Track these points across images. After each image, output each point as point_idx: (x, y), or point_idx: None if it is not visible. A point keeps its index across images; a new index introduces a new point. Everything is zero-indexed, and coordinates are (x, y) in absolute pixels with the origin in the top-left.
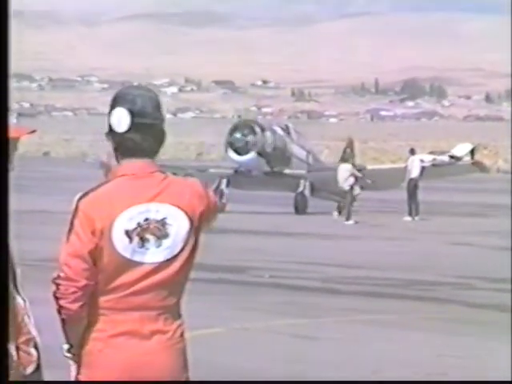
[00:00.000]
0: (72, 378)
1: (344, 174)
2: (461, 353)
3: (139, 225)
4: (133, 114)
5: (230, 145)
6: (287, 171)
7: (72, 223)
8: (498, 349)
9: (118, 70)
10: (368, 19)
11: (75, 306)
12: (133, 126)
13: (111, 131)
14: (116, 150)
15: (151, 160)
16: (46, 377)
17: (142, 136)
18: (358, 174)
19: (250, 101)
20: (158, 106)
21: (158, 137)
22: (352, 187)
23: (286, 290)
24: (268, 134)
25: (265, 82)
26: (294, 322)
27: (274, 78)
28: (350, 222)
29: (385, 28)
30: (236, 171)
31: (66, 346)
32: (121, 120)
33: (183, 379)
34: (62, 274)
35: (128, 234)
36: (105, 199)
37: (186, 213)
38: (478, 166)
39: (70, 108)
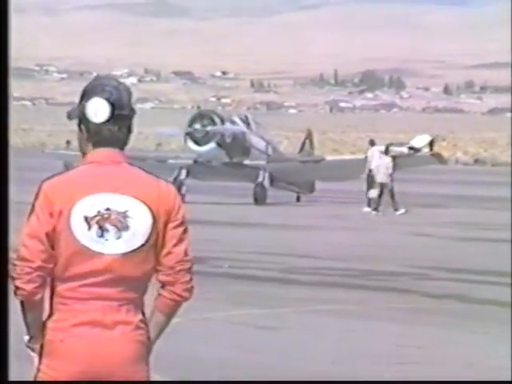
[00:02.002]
0: (35, 369)
1: (383, 167)
2: (420, 342)
3: (99, 213)
4: (112, 104)
5: (190, 135)
6: (246, 162)
7: (33, 205)
8: (458, 338)
9: (77, 60)
10: (327, 10)
11: (29, 287)
12: (112, 117)
13: (84, 121)
14: (88, 139)
15: (121, 150)
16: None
17: (118, 127)
18: (390, 170)
19: (209, 92)
20: (131, 98)
21: (130, 128)
22: (391, 179)
23: (245, 280)
24: (227, 124)
25: (224, 73)
26: (254, 312)
27: (233, 69)
28: (402, 211)
29: (344, 19)
30: (195, 162)
31: (26, 337)
32: (99, 110)
33: (144, 372)
34: (18, 255)
35: (87, 220)
36: (67, 183)
37: (150, 208)
38: (437, 158)
39: (28, 97)
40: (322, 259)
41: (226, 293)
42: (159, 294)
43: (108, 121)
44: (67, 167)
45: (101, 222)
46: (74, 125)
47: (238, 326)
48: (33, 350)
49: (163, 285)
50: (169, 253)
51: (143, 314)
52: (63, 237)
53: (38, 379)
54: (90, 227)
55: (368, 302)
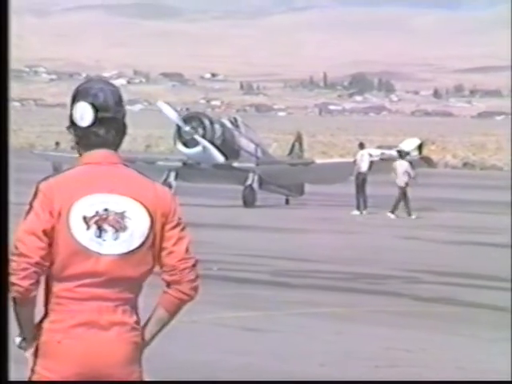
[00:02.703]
0: (29, 370)
1: (401, 171)
2: (410, 346)
3: (98, 213)
4: (96, 108)
5: (179, 137)
6: (236, 164)
7: (31, 204)
8: (446, 341)
9: (66, 61)
10: (318, 13)
11: (25, 283)
12: (96, 120)
13: (73, 125)
14: (78, 143)
15: (115, 152)
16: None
17: (106, 129)
18: (412, 173)
19: (198, 93)
20: (119, 100)
21: (120, 130)
22: (407, 184)
23: (234, 282)
24: (217, 126)
25: (214, 74)
26: (243, 315)
27: (222, 71)
28: (413, 216)
29: (334, 22)
30: (184, 164)
31: (18, 339)
32: (84, 114)
33: (138, 373)
34: (15, 251)
35: (86, 220)
36: (66, 183)
37: (148, 210)
38: (426, 161)
39: (17, 98)
40: (311, 262)
41: (215, 295)
42: (165, 292)
43: (93, 124)
44: (56, 168)
45: (99, 223)
46: (62, 126)
47: (227, 329)
48: (25, 350)
49: (169, 284)
50: (170, 252)
51: (137, 315)
52: (61, 236)
53: (33, 380)
54: (88, 227)
55: (357, 305)
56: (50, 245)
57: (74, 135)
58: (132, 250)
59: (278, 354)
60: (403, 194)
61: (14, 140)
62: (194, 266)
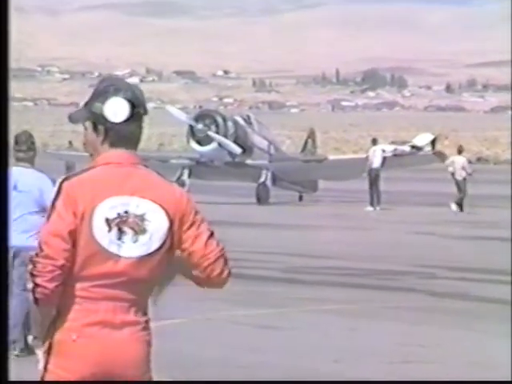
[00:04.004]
0: (40, 368)
1: (459, 165)
2: (424, 341)
3: (119, 215)
4: (132, 104)
5: (192, 136)
6: (249, 161)
7: (54, 204)
8: (461, 337)
9: (79, 61)
10: (329, 9)
11: (52, 285)
12: (131, 116)
13: (100, 122)
14: (105, 139)
15: (135, 151)
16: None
17: (136, 125)
18: (468, 169)
19: (211, 91)
20: (144, 97)
21: (142, 127)
22: (465, 179)
23: (248, 280)
24: (230, 124)
25: (226, 72)
26: (257, 312)
27: (235, 68)
28: (465, 211)
29: (346, 18)
30: (198, 162)
31: (30, 337)
32: (118, 110)
33: (148, 372)
34: (40, 253)
35: (108, 222)
36: (89, 184)
37: (167, 212)
38: (439, 156)
39: (30, 98)
40: (324, 258)
41: (228, 293)
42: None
43: (127, 120)
44: (69, 167)
45: (120, 225)
46: (75, 125)
47: (240, 326)
48: (37, 348)
49: (197, 279)
50: (190, 252)
51: (147, 314)
52: (83, 237)
53: (46, 379)
54: (110, 229)
55: (371, 301)
56: (74, 245)
57: (104, 132)
58: (150, 253)
59: (292, 350)
60: (461, 188)
61: None
62: (216, 260)
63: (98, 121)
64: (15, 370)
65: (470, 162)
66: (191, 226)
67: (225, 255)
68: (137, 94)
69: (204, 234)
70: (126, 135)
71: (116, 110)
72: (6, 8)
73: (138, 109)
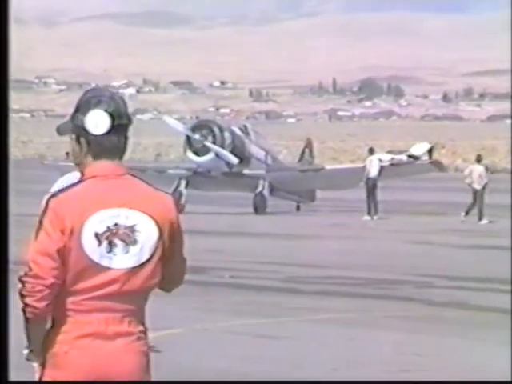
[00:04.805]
0: (37, 379)
1: (476, 174)
2: (421, 350)
3: (109, 228)
4: (112, 115)
5: (189, 146)
6: (246, 171)
7: (41, 222)
8: (459, 346)
9: (76, 72)
10: (326, 19)
11: (41, 305)
12: (112, 128)
13: (83, 134)
14: (88, 152)
15: (120, 162)
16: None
17: (118, 137)
18: (484, 179)
19: (208, 101)
20: (127, 107)
21: (127, 137)
22: (484, 188)
23: (246, 290)
24: (227, 134)
25: (223, 82)
26: (255, 322)
27: (231, 78)
28: (484, 221)
29: (342, 27)
30: (195, 172)
31: (26, 351)
32: (99, 122)
33: (146, 381)
34: (29, 272)
35: (97, 236)
36: (75, 199)
37: (157, 222)
38: (436, 166)
39: (27, 109)
40: (322, 268)
41: (227, 302)
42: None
43: (109, 132)
44: None
45: (110, 238)
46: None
47: (239, 336)
48: (33, 361)
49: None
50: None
51: (144, 324)
52: (73, 253)
53: None
54: (100, 243)
55: (369, 310)
56: (63, 263)
57: (86, 144)
58: (142, 264)
59: (290, 360)
60: (479, 198)
61: (25, 151)
62: (183, 275)
63: (80, 133)
64: (15, 370)
65: (487, 169)
66: (178, 236)
67: None
68: (119, 106)
69: (182, 247)
70: (108, 147)
71: (97, 122)
72: (6, 20)
73: (119, 120)
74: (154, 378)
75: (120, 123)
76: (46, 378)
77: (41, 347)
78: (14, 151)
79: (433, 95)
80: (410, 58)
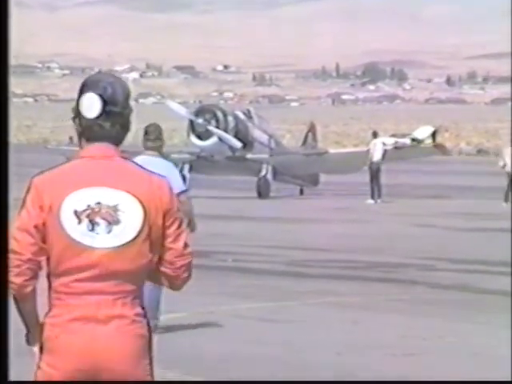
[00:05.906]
0: (35, 365)
1: (509, 158)
2: (425, 333)
3: (89, 207)
4: (104, 100)
5: (192, 130)
6: (249, 156)
7: (24, 200)
8: (463, 329)
9: (78, 56)
10: (329, 3)
11: (19, 280)
12: (103, 113)
13: (78, 116)
14: (82, 134)
15: (114, 145)
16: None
17: (111, 123)
18: None
19: (211, 86)
20: (127, 95)
21: (125, 126)
22: None
23: (249, 273)
24: (230, 118)
25: (226, 66)
26: (259, 306)
27: (235, 62)
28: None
29: (346, 11)
30: (198, 156)
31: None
32: (91, 105)
33: (144, 366)
34: (10, 248)
35: (77, 214)
36: (58, 178)
37: (141, 202)
38: (440, 149)
39: (30, 94)
40: (326, 251)
41: (230, 286)
42: (159, 270)
43: (99, 116)
44: None
45: (91, 216)
46: None
47: (242, 320)
48: (31, 345)
49: (163, 274)
50: (169, 249)
51: (142, 307)
52: (54, 231)
53: (37, 376)
54: (80, 221)
55: (373, 293)
56: (43, 240)
57: (79, 126)
58: (126, 243)
59: (294, 343)
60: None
61: (28, 136)
62: (189, 263)
63: (76, 115)
64: (15, 370)
65: None
66: (173, 222)
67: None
68: (116, 92)
69: (184, 233)
70: (98, 132)
71: (89, 105)
72: (6, 5)
73: (112, 107)
74: (157, 362)
75: (112, 110)
76: (42, 364)
77: (35, 329)
78: (18, 136)
79: (436, 79)
80: (413, 41)
